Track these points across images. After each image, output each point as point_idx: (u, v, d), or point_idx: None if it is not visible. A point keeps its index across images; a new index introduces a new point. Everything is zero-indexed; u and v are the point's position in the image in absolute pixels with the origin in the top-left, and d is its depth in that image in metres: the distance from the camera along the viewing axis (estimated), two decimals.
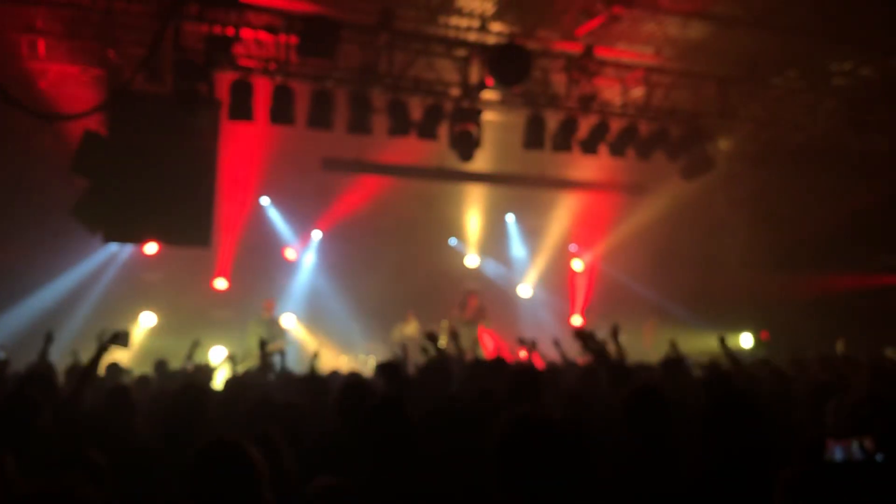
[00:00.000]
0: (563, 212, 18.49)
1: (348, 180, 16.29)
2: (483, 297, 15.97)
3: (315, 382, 6.91)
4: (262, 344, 8.78)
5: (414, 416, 4.39)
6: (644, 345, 15.84)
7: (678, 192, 15.93)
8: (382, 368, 6.69)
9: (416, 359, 9.03)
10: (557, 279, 18.89)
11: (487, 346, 15.98)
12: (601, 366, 6.39)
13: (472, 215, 18.33)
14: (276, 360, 9.41)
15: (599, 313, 16.76)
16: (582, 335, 6.62)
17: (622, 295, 17.84)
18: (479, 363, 7.92)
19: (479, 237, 18.41)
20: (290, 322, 15.84)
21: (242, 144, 14.61)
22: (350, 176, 16.13)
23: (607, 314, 14.63)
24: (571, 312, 18.61)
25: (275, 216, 16.83)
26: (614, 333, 7.22)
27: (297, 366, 12.00)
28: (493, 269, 18.68)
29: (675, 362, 7.62)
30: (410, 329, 16.06)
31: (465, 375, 7.36)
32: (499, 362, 7.33)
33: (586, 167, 16.46)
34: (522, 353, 10.25)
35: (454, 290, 16.65)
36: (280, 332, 14.18)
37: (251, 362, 10.39)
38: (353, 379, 5.96)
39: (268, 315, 14.15)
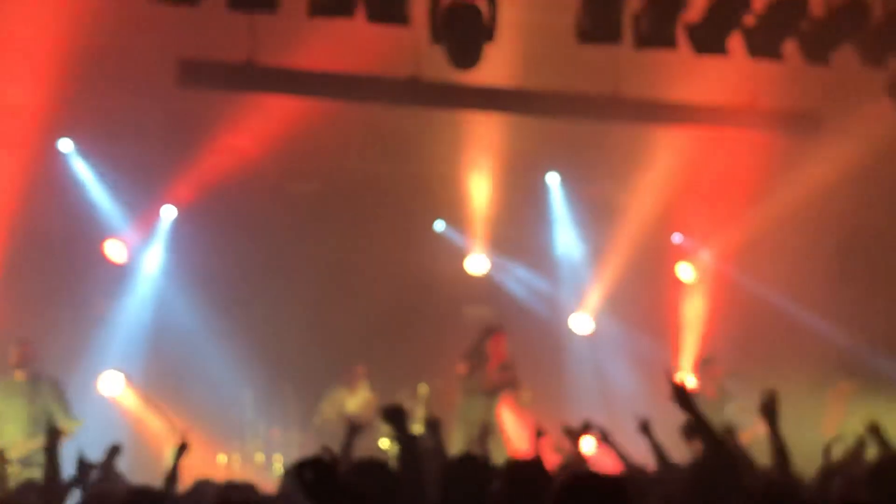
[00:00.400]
0: (657, 171, 14.54)
1: (232, 106, 12.84)
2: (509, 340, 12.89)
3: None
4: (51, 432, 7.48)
5: None
6: (826, 428, 12.69)
7: (883, 132, 12.98)
8: (302, 471, 4.36)
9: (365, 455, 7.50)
10: (647, 301, 15.30)
11: (513, 435, 12.78)
12: (716, 469, 5.51)
13: (479, 176, 14.88)
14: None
15: (730, 369, 13.19)
16: (688, 403, 5.77)
17: (777, 332, 14.59)
18: (498, 470, 6.05)
19: (493, 218, 15.18)
20: (111, 386, 12.78)
21: (16, 32, 11.75)
22: (235, 97, 12.70)
23: (746, 370, 12.80)
24: (674, 364, 14.87)
25: (86, 176, 13.60)
26: (767, 410, 6.15)
27: (134, 470, 9.66)
28: (520, 280, 15.60)
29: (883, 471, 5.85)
30: (356, 399, 13.44)
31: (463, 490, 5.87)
32: (535, 468, 5.65)
33: (701, 83, 12.67)
34: (578, 449, 8.24)
35: (445, 323, 14.42)
36: (56, 402, 10.84)
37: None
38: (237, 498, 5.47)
39: (22, 370, 10.92)
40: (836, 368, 14.04)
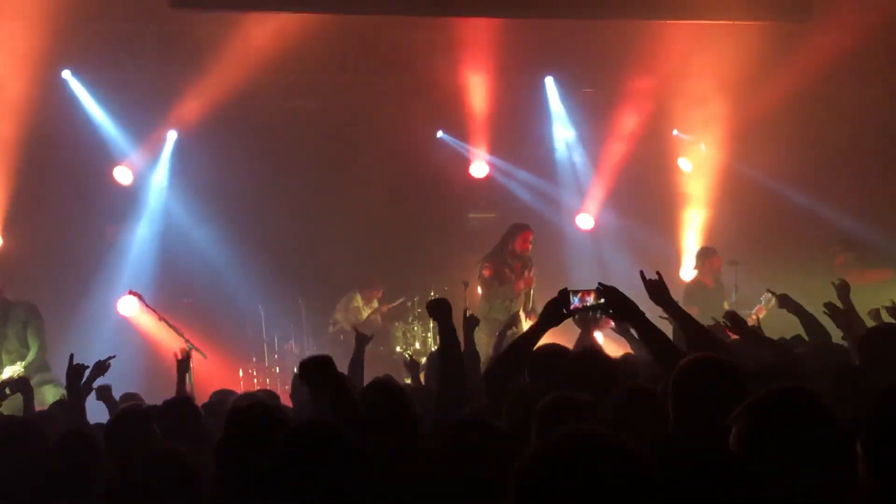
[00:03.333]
0: (652, 67, 14.35)
1: (227, 26, 12.74)
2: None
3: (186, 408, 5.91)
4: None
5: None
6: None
7: (875, 18, 12.83)
8: (308, 370, 4.78)
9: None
10: (648, 196, 15.20)
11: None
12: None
13: (476, 81, 14.40)
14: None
15: (731, 255, 12.67)
16: (664, 298, 5.68)
17: (778, 219, 14.53)
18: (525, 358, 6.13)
19: (493, 123, 14.82)
20: (127, 308, 12.29)
21: None
22: (230, 16, 12.75)
23: (748, 259, 12.36)
24: (678, 259, 14.88)
25: (89, 104, 13.35)
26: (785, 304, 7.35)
27: (152, 389, 9.39)
28: (522, 182, 15.28)
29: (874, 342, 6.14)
30: (369, 308, 13.56)
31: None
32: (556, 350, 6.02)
33: None
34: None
35: (452, 229, 14.61)
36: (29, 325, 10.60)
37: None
38: (251, 403, 4.67)
39: None
40: (834, 244, 13.73)
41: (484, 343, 10.67)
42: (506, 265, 11.98)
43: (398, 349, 12.81)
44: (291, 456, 3.48)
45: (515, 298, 12.04)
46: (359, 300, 13.61)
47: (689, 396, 3.94)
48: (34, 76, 12.62)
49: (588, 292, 5.42)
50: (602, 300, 5.29)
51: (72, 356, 6.89)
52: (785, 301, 8.01)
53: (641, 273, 5.66)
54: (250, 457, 3.78)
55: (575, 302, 5.26)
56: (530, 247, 12.16)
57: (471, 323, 7.70)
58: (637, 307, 5.20)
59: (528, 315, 12.09)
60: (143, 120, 13.57)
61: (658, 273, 5.81)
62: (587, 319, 7.48)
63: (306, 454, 3.47)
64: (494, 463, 3.63)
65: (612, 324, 8.03)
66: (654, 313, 6.14)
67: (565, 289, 5.62)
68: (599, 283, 5.51)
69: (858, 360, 6.22)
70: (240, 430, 4.01)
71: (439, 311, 6.33)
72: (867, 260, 13.25)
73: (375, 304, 13.77)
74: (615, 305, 5.30)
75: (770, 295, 11.41)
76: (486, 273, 12.00)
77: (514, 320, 11.38)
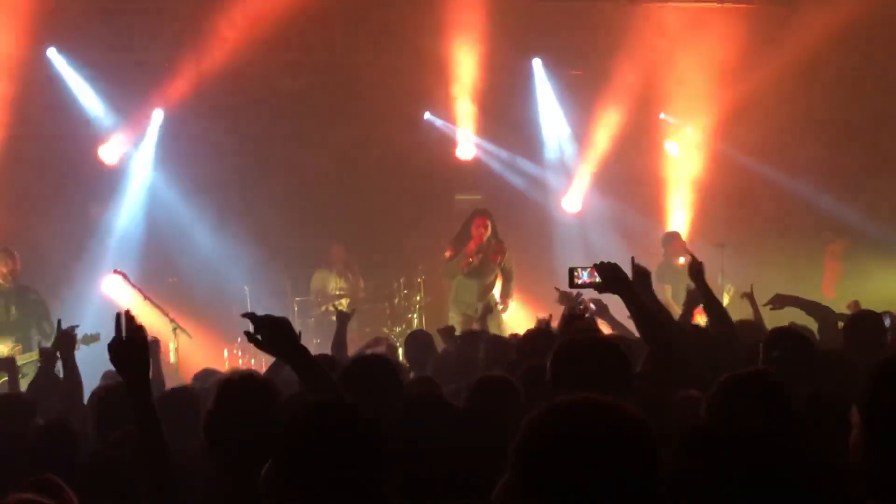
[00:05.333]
0: (639, 49, 14.25)
1: (213, 3, 12.73)
2: (496, 222, 12.35)
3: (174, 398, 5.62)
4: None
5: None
6: (826, 288, 12.95)
7: None
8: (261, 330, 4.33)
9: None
10: (634, 179, 15.06)
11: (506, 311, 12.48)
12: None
13: (463, 63, 14.33)
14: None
15: (718, 238, 12.71)
16: (696, 272, 6.44)
17: (767, 201, 14.61)
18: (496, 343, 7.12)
19: (480, 106, 14.78)
20: (113, 287, 12.18)
21: None
22: None
23: (735, 240, 12.65)
24: (670, 238, 13.98)
25: (74, 82, 13.28)
26: (694, 271, 6.59)
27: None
28: (509, 164, 15.26)
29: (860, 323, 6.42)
30: (339, 281, 13.42)
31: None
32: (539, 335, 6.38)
33: None
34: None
35: (438, 210, 14.34)
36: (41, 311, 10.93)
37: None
38: (242, 379, 4.36)
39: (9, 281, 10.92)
40: (825, 230, 14.02)
41: (455, 322, 10.71)
42: (465, 248, 12.08)
43: (384, 330, 12.51)
44: (312, 431, 3.31)
45: (484, 276, 12.02)
46: (323, 273, 13.43)
47: (568, 374, 4.03)
48: (18, 54, 12.46)
49: (592, 269, 5.41)
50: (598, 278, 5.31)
51: (59, 322, 6.88)
52: (780, 300, 7.90)
53: (633, 259, 5.66)
54: (245, 428, 3.76)
55: (584, 277, 5.32)
56: (485, 231, 12.11)
57: (446, 333, 8.24)
58: (630, 285, 5.23)
59: (503, 299, 12.15)
60: (128, 99, 13.40)
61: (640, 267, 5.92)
62: (570, 300, 7.61)
63: (331, 432, 3.33)
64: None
65: (592, 306, 8.02)
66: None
67: (572, 267, 5.70)
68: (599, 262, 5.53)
69: (844, 342, 6.20)
70: (235, 400, 3.93)
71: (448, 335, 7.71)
72: (859, 246, 13.39)
73: (349, 273, 13.44)
74: (610, 281, 5.29)
75: (731, 286, 11.65)
76: (446, 255, 12.18)
77: (488, 307, 11.42)
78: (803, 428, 3.75)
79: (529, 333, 6.81)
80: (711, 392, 3.69)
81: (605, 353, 4.47)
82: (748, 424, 3.39)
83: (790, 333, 5.71)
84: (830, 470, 3.25)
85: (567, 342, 4.33)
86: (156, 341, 7.58)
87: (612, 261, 5.45)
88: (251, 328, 4.25)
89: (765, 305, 7.87)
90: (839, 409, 3.51)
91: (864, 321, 6.13)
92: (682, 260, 12.43)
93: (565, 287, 8.55)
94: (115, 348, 3.89)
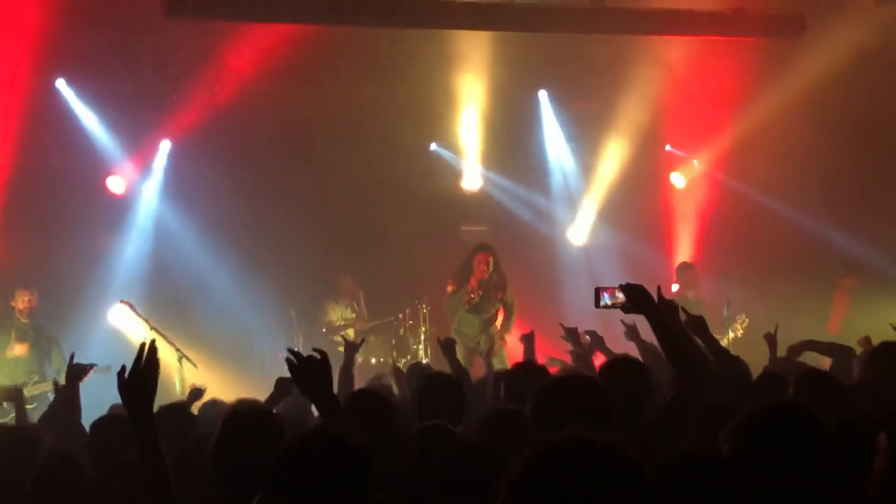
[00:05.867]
0: (647, 81, 14.31)
1: (221, 36, 12.70)
2: (498, 257, 12.42)
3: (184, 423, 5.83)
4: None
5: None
6: (832, 325, 12.75)
7: (868, 32, 12.74)
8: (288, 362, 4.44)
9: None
10: (640, 211, 15.22)
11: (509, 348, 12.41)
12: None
13: (469, 94, 14.41)
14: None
15: (724, 269, 12.96)
16: (698, 327, 6.19)
17: (772, 234, 14.44)
18: (496, 377, 6.86)
19: (486, 137, 14.82)
20: (118, 318, 12.22)
21: None
22: (223, 27, 12.51)
23: (740, 273, 12.67)
24: (671, 273, 14.17)
25: (83, 113, 13.17)
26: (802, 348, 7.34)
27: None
28: (515, 196, 15.28)
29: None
30: (345, 312, 13.48)
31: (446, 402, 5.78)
32: (534, 370, 6.29)
33: None
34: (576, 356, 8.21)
35: (443, 242, 14.21)
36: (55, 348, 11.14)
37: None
38: (249, 412, 4.48)
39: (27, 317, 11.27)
40: (837, 266, 13.80)
41: (459, 356, 10.65)
42: (467, 283, 12.16)
43: (389, 361, 12.48)
44: (304, 460, 3.42)
45: (485, 311, 12.09)
46: (329, 304, 13.44)
47: (551, 415, 4.11)
48: (28, 85, 12.47)
49: (614, 289, 5.49)
50: (623, 298, 5.34)
51: (73, 355, 6.86)
52: (796, 350, 7.61)
53: (659, 290, 5.53)
54: (250, 459, 3.78)
55: (605, 299, 5.35)
56: (486, 268, 12.19)
57: (447, 346, 8.00)
58: (657, 307, 5.23)
59: (503, 334, 12.18)
60: (136, 129, 13.41)
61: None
62: (574, 337, 7.87)
63: (319, 458, 3.43)
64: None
65: (587, 338, 8.18)
66: None
67: (598, 287, 5.73)
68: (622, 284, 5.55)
69: (869, 374, 6.15)
70: (241, 433, 3.96)
71: (448, 349, 7.71)
72: (871, 282, 13.25)
73: (355, 304, 13.52)
74: (636, 303, 5.31)
75: (743, 317, 11.59)
76: (448, 289, 12.27)
77: (493, 343, 11.55)
78: (835, 457, 3.61)
79: (513, 375, 6.70)
80: (738, 421, 3.53)
81: (584, 391, 4.50)
82: (781, 455, 3.36)
83: (815, 372, 5.69)
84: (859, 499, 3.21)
85: (544, 385, 4.40)
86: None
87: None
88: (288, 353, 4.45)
89: (787, 357, 7.61)
90: (868, 436, 3.47)
91: (891, 352, 6.02)
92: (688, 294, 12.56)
93: (569, 322, 8.78)
94: (128, 379, 3.90)
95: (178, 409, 6.07)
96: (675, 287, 13.93)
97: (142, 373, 3.88)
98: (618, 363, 5.56)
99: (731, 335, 11.53)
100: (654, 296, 5.45)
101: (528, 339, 8.80)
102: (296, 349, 4.58)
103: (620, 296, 5.38)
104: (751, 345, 8.84)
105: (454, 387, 5.69)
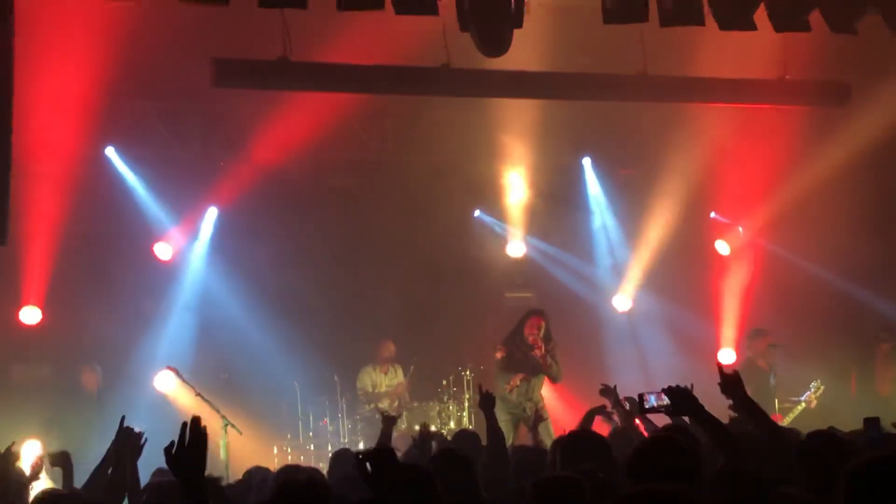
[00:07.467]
0: (689, 149, 14.14)
1: (268, 104, 12.71)
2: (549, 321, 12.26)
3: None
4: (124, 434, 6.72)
5: None
6: (881, 387, 12.82)
7: None
8: (362, 461, 4.59)
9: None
10: (685, 278, 15.01)
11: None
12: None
13: (514, 161, 14.60)
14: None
15: (772, 339, 12.87)
16: (739, 392, 5.54)
17: (818, 302, 14.13)
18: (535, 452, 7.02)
19: (530, 205, 15.01)
20: (164, 383, 12.34)
21: (61, 58, 11.42)
22: (270, 95, 12.51)
23: (787, 342, 12.65)
24: (717, 340, 14.75)
25: (131, 181, 13.44)
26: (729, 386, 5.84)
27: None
28: (560, 262, 15.32)
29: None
30: (386, 379, 13.22)
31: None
32: (585, 439, 5.99)
33: (728, 59, 12.26)
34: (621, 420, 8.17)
35: (488, 308, 14.42)
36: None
37: None
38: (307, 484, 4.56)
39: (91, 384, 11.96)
40: (878, 330, 13.60)
41: (501, 421, 10.22)
42: (518, 349, 11.95)
43: (433, 428, 12.44)
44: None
45: (532, 378, 11.86)
46: (370, 375, 13.26)
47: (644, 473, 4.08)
48: (78, 153, 12.63)
49: (660, 393, 5.61)
50: (668, 401, 5.44)
51: (123, 418, 6.82)
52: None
53: (719, 365, 5.58)
54: None
55: (651, 401, 5.54)
56: (538, 332, 12.02)
57: (486, 400, 7.77)
58: (700, 406, 5.23)
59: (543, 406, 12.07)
60: (184, 196, 13.53)
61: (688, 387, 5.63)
62: (614, 395, 7.89)
63: None
64: None
65: (626, 405, 8.06)
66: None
67: (641, 394, 5.94)
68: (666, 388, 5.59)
69: None
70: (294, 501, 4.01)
71: (487, 404, 7.44)
72: None
73: (397, 373, 13.26)
74: (681, 405, 5.39)
75: (819, 384, 11.42)
76: (497, 355, 12.05)
77: (539, 416, 11.23)
78: None
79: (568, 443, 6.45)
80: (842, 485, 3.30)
81: (666, 449, 4.52)
82: None
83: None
84: None
85: (640, 446, 4.44)
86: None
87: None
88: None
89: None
90: None
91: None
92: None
93: (614, 391, 8.71)
94: (176, 452, 3.92)
95: (210, 483, 5.90)
96: (727, 354, 13.83)
97: (190, 446, 3.93)
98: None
99: (804, 405, 11.35)
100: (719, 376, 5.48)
101: (591, 414, 8.42)
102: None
103: (665, 399, 5.46)
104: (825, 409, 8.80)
105: (460, 463, 5.44)
